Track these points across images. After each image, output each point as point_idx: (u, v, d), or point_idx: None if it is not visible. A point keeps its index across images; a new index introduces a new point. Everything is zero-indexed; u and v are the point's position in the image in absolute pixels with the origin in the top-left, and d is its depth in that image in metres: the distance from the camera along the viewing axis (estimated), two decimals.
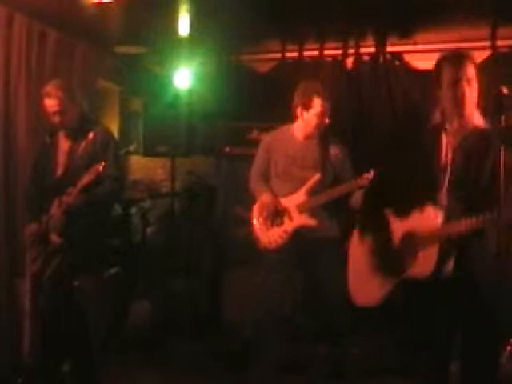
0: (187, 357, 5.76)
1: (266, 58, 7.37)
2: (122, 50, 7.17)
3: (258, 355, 5.25)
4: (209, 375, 5.43)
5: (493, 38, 6.32)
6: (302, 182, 5.07)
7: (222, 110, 7.05)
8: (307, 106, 5.07)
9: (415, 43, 6.74)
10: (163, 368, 5.58)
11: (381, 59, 6.84)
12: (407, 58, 6.85)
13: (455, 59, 3.66)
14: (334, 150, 5.16)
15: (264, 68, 7.36)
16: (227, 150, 6.57)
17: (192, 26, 6.09)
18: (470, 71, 3.62)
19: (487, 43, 6.27)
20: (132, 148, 7.15)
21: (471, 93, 3.61)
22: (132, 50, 7.16)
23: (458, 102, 3.59)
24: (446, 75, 3.65)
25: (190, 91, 7.04)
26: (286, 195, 5.14)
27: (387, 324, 5.49)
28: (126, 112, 7.98)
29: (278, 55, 7.21)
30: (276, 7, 5.99)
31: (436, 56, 6.70)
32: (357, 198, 5.01)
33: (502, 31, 6.33)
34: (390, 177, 3.91)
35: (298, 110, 5.13)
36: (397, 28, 6.64)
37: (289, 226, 5.10)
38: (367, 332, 5.67)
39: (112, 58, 7.27)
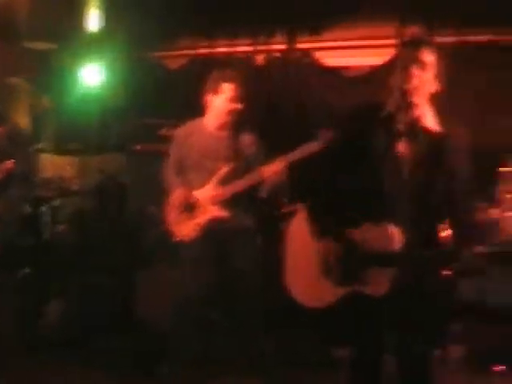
0: (104, 355, 5.70)
1: (177, 55, 7.36)
2: (32, 45, 7.06)
3: (173, 351, 5.25)
4: (126, 373, 5.39)
5: (400, 36, 6.44)
6: (215, 174, 5.08)
7: (133, 107, 7.02)
8: (217, 91, 5.03)
9: (323, 41, 6.84)
10: (81, 366, 5.52)
11: (291, 56, 6.91)
12: (316, 54, 6.94)
13: (411, 42, 3.34)
14: (247, 141, 5.16)
15: (175, 65, 7.35)
16: (138, 147, 6.54)
17: (103, 21, 6.04)
18: (426, 55, 3.28)
19: (394, 41, 6.39)
20: (42, 145, 7.04)
21: (422, 79, 3.28)
22: (42, 45, 7.07)
23: (406, 88, 3.27)
24: (399, 59, 3.34)
25: (101, 88, 6.98)
26: (199, 187, 5.14)
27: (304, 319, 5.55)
28: (36, 109, 7.85)
29: (190, 52, 7.21)
30: (188, 4, 6.00)
31: (344, 53, 6.96)
32: (265, 189, 5.07)
33: (408, 29, 6.47)
34: (342, 179, 3.51)
35: (209, 97, 5.11)
36: (306, 26, 6.74)
37: (201, 218, 5.11)
38: (283, 325, 5.72)
39: (22, 54, 7.16)
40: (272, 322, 5.46)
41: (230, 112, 5.07)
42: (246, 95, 5.18)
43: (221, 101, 5.05)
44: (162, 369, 5.20)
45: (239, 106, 5.05)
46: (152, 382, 5.27)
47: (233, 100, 5.03)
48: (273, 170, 4.91)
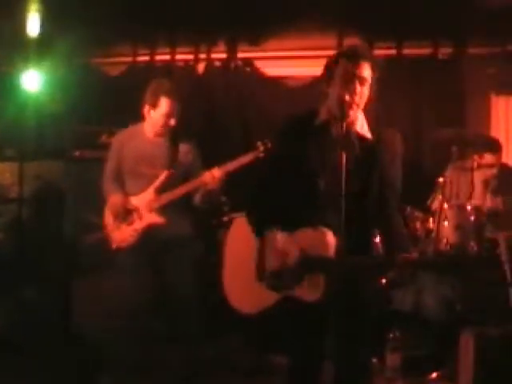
0: (41, 365, 5.61)
1: (117, 62, 7.32)
2: None
3: (111, 360, 5.21)
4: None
5: (339, 47, 6.53)
6: (152, 181, 5.07)
7: (71, 114, 6.94)
8: (155, 105, 5.06)
9: (264, 50, 6.89)
10: (16, 376, 5.41)
11: (232, 65, 6.94)
12: (257, 64, 6.98)
13: (352, 56, 3.39)
14: (184, 149, 5.17)
15: (115, 71, 7.31)
16: (77, 153, 6.47)
17: (42, 26, 5.97)
18: (366, 70, 3.37)
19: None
20: None
21: (362, 94, 3.38)
22: None
23: (346, 103, 3.34)
24: (339, 71, 3.39)
25: (40, 93, 6.88)
26: (136, 194, 5.14)
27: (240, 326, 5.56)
28: None
29: (129, 59, 7.18)
30: (128, 10, 5.97)
31: (285, 63, 7.01)
32: (199, 197, 5.09)
33: (348, 41, 6.57)
34: (273, 184, 3.58)
35: (146, 109, 5.12)
36: (247, 35, 6.78)
37: (138, 224, 5.10)
38: (222, 332, 5.73)
39: None
40: (212, 329, 5.48)
41: (166, 126, 5.11)
42: (185, 104, 5.20)
43: (158, 115, 5.08)
44: (102, 379, 5.16)
45: (174, 121, 5.08)
46: None
47: (169, 116, 5.07)
48: (210, 178, 4.95)
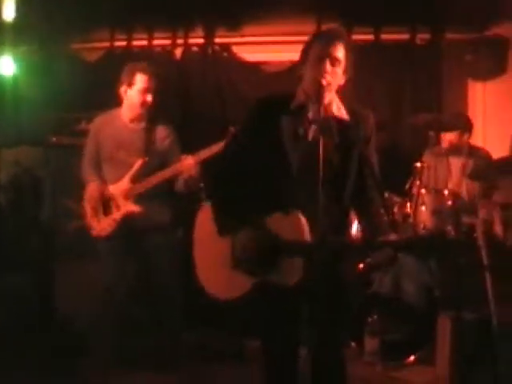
0: (22, 353, 5.59)
1: (94, 47, 7.27)
2: None
3: (93, 347, 5.21)
4: (45, 371, 5.29)
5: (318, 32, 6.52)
6: (129, 168, 5.05)
7: (49, 100, 6.88)
8: (130, 83, 5.04)
9: (242, 35, 6.87)
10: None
11: (209, 50, 6.93)
12: (235, 49, 6.97)
13: (325, 36, 3.41)
14: (161, 134, 5.15)
15: (92, 57, 7.25)
16: (54, 140, 6.43)
17: (17, 10, 5.92)
18: (339, 51, 3.35)
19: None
20: None
21: (335, 74, 3.35)
22: None
23: (318, 83, 3.31)
24: (312, 52, 3.38)
25: (16, 79, 6.83)
26: (114, 182, 5.11)
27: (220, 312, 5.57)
28: None
29: (107, 44, 7.13)
30: None
31: (263, 48, 7.00)
32: (182, 182, 5.07)
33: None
34: (244, 171, 3.53)
35: (123, 89, 5.10)
36: (225, 20, 6.76)
37: (116, 213, 5.09)
38: (201, 319, 5.74)
39: None
40: (192, 316, 5.49)
41: (144, 104, 5.08)
42: (163, 89, 5.19)
43: (134, 92, 5.05)
44: (84, 365, 5.16)
45: (152, 97, 5.07)
46: (73, 379, 5.21)
47: (146, 92, 5.06)
48: (184, 166, 4.94)
